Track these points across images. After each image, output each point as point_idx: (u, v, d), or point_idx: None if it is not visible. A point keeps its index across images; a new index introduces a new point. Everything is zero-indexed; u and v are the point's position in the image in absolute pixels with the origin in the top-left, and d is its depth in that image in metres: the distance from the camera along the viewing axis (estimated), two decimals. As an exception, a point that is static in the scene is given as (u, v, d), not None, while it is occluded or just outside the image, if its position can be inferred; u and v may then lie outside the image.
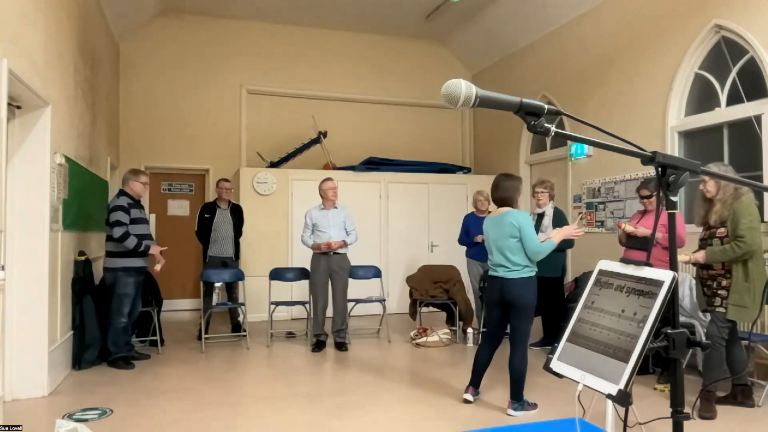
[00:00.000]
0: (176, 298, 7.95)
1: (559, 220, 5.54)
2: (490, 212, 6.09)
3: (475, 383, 3.87)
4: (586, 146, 6.60)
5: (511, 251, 3.62)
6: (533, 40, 7.73)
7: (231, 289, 6.21)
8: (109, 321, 4.83)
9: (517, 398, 3.63)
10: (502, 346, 3.84)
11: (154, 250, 4.96)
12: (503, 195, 3.77)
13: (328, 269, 5.57)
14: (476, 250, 6.11)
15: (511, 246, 3.61)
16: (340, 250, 5.59)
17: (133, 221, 4.84)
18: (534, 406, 3.70)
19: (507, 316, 3.72)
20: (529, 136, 7.99)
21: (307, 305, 5.98)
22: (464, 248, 6.34)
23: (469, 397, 3.85)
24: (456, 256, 7.44)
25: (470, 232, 6.12)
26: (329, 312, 5.64)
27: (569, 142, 6.86)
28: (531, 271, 3.65)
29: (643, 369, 4.51)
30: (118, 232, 4.74)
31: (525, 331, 3.71)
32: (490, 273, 3.80)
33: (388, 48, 9.03)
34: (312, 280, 5.69)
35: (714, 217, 3.64)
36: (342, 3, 7.87)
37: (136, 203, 4.99)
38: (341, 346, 5.54)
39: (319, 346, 5.54)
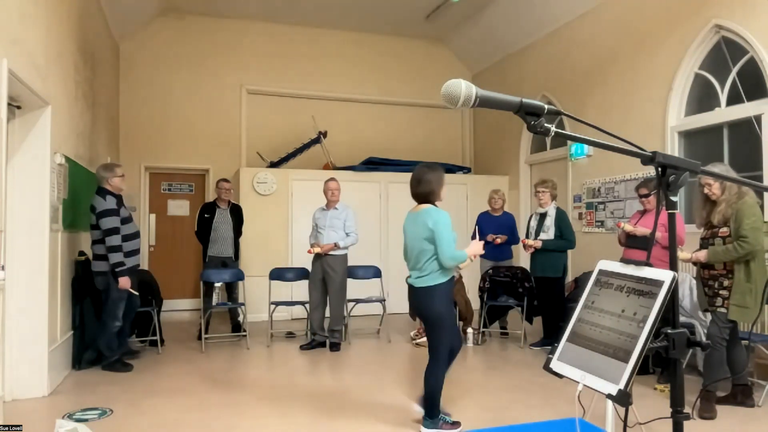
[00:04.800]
0: (176, 298, 7.94)
1: (562, 220, 5.53)
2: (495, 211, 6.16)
3: None
4: (586, 146, 6.59)
5: (425, 254, 3.23)
6: (533, 40, 7.73)
7: (231, 289, 6.20)
8: (103, 324, 4.74)
9: (430, 415, 3.24)
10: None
11: (124, 282, 4.63)
12: (423, 190, 3.37)
13: (322, 270, 5.57)
14: (488, 249, 6.09)
15: (425, 248, 3.24)
16: (334, 252, 5.54)
17: (122, 221, 4.70)
18: (455, 425, 3.29)
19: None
20: (529, 136, 7.99)
21: (306, 305, 5.98)
22: None
23: None
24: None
25: (483, 231, 6.11)
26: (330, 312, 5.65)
27: (569, 142, 6.86)
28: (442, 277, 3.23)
29: (643, 369, 4.51)
30: (115, 240, 4.59)
31: (438, 344, 3.24)
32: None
33: (388, 48, 9.02)
34: (309, 280, 5.74)
35: (718, 217, 3.63)
36: (342, 3, 7.86)
37: (121, 201, 4.81)
38: (333, 347, 5.54)
39: (311, 344, 5.58)
